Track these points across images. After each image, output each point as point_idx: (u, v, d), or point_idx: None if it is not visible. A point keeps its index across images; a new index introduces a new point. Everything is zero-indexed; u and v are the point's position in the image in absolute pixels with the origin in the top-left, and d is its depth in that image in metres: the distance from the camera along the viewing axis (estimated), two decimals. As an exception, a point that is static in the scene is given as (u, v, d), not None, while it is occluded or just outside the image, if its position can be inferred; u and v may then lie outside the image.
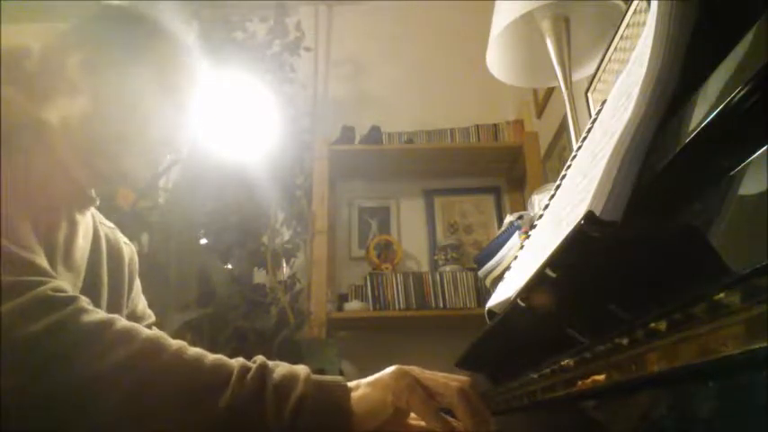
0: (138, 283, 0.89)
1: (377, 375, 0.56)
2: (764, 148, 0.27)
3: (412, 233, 2.57)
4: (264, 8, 2.45)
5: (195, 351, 0.53)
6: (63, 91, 0.69)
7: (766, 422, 0.25)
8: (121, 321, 0.52)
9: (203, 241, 2.03)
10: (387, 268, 2.37)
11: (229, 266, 2.07)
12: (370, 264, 2.42)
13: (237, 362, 0.53)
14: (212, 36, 2.02)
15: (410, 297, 2.20)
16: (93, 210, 0.78)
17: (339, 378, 0.56)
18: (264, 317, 1.92)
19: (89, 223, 0.76)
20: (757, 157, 0.27)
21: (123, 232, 0.88)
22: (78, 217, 0.72)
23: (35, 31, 0.68)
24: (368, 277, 2.25)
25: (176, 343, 0.53)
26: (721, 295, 0.27)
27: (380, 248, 2.46)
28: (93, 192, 0.75)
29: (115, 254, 0.82)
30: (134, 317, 0.86)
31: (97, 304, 0.66)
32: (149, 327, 0.82)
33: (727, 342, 0.27)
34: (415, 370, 0.57)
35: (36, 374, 0.47)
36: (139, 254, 0.91)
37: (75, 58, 0.69)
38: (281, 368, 0.54)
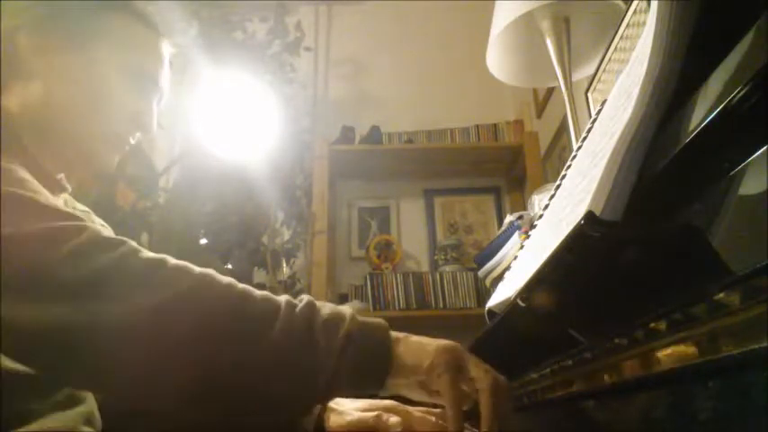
0: None
1: (429, 339, 0.57)
2: (764, 148, 0.27)
3: (412, 233, 2.57)
4: (264, 8, 2.45)
5: (243, 285, 0.54)
6: (17, 75, 0.68)
7: (766, 422, 0.25)
8: (173, 260, 0.53)
9: (203, 241, 2.03)
10: (387, 268, 2.37)
11: (229, 266, 2.07)
12: (370, 264, 2.42)
13: (284, 297, 0.55)
14: (212, 36, 2.02)
15: (410, 297, 2.19)
16: (66, 196, 0.77)
17: (380, 320, 0.56)
18: (264, 317, 1.91)
19: None
20: (757, 157, 0.27)
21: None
22: None
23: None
24: (368, 277, 2.25)
25: (225, 278, 0.54)
26: (721, 295, 0.27)
27: (380, 248, 2.46)
28: (62, 178, 0.74)
29: None
30: None
31: None
32: None
33: (728, 342, 0.27)
34: (460, 349, 0.56)
35: (105, 309, 0.48)
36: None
37: (26, 40, 0.68)
38: (327, 306, 0.55)
